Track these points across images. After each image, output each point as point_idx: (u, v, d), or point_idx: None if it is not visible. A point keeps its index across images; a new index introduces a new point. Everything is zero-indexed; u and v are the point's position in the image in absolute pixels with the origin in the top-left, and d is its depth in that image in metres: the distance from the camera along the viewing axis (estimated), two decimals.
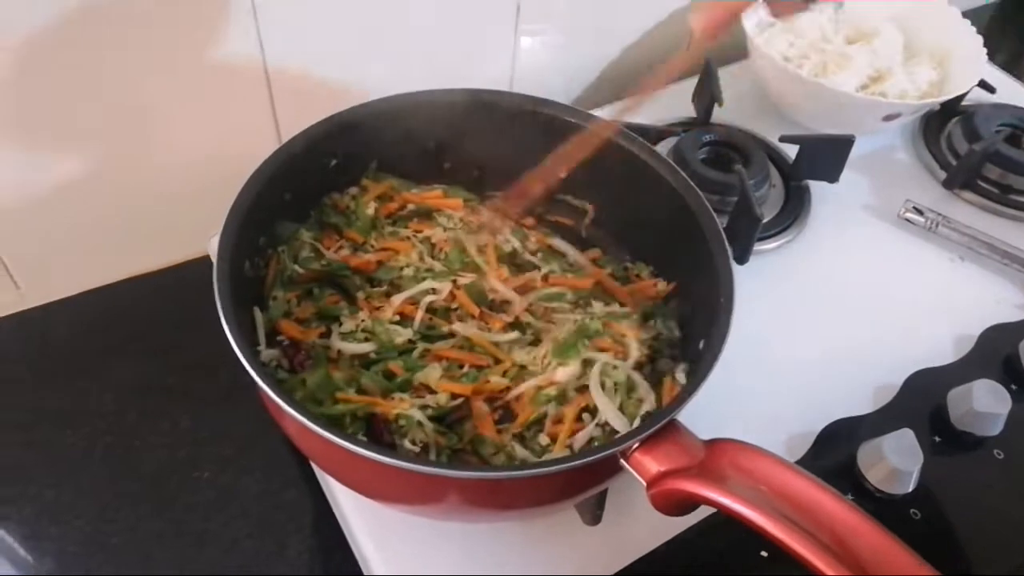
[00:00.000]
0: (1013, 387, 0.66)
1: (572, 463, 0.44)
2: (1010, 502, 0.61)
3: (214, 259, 0.67)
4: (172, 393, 0.66)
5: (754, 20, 0.82)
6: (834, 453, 0.61)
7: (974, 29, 0.84)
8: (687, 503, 0.44)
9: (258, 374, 0.44)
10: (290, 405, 0.43)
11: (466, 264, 0.61)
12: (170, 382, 0.67)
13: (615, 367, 0.55)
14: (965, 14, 0.85)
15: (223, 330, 0.45)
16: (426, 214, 0.65)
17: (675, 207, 0.57)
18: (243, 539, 0.59)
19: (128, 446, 0.63)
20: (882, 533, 0.39)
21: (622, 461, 0.45)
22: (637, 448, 0.44)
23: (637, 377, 0.56)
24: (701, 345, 0.52)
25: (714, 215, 0.55)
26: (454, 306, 0.59)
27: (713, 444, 0.44)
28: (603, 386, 0.55)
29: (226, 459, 0.63)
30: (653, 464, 0.44)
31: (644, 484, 0.44)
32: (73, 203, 0.67)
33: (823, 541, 0.39)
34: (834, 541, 0.39)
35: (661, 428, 0.44)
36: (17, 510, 0.59)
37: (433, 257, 0.62)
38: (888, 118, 0.78)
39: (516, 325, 0.59)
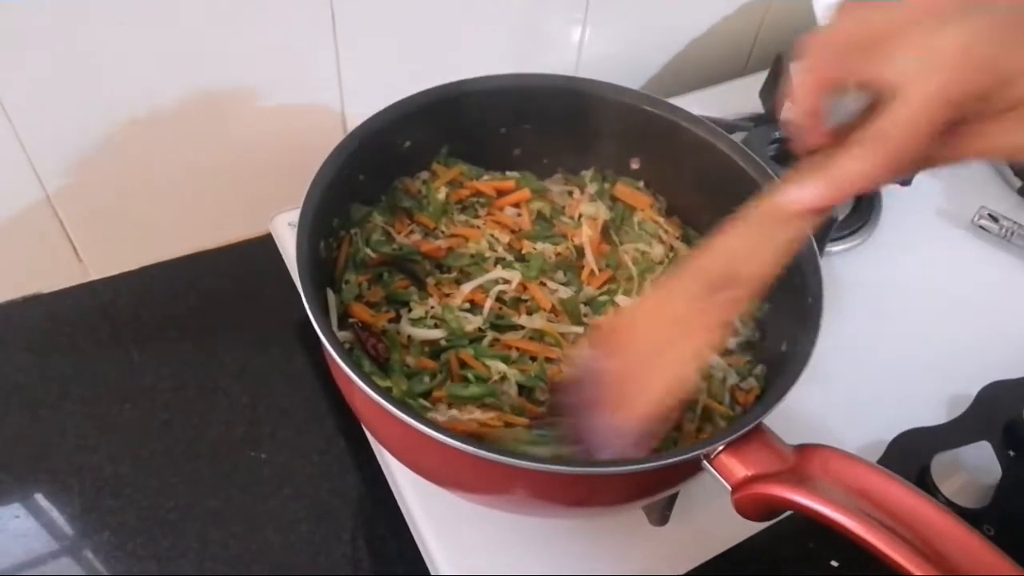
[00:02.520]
0: None
1: (655, 462, 0.43)
2: None
3: (276, 238, 0.68)
4: (230, 370, 0.66)
5: (825, 10, 0.79)
6: (905, 463, 0.59)
7: None
8: (775, 508, 0.42)
9: (339, 355, 0.43)
10: (370, 386, 0.42)
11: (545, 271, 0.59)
12: (228, 359, 0.66)
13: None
14: None
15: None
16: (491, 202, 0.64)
17: None
18: (299, 522, 0.58)
19: (185, 422, 0.63)
20: (980, 539, 0.38)
21: (705, 463, 0.44)
22: (723, 451, 0.43)
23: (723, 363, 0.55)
24: (784, 347, 0.51)
25: None
26: (524, 297, 0.58)
27: (805, 449, 0.43)
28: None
29: (283, 440, 0.62)
30: (740, 468, 0.43)
31: (728, 487, 0.43)
32: (136, 179, 0.67)
33: (921, 548, 0.38)
34: (932, 549, 0.38)
35: (749, 431, 0.43)
36: (79, 481, 0.59)
37: (508, 251, 0.61)
38: None
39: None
